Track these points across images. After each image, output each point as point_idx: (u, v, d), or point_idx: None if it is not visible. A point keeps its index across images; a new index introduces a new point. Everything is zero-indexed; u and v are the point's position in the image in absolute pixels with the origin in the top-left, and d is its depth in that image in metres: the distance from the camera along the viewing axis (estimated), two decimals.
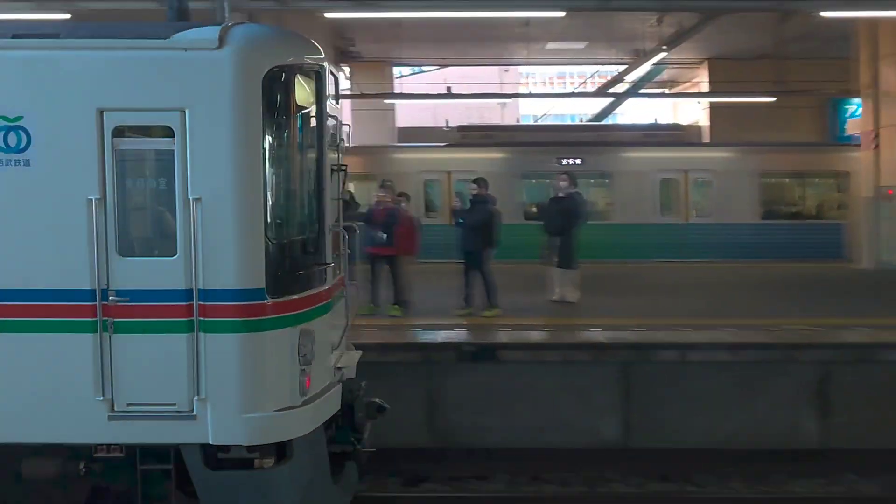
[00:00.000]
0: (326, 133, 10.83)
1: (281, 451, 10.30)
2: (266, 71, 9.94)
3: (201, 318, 9.78)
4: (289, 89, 10.22)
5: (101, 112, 9.80)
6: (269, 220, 10.01)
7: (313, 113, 10.65)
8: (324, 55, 10.62)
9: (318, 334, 10.58)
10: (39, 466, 10.15)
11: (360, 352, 12.43)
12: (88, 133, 9.83)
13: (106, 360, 9.93)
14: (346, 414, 11.45)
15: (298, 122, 10.48)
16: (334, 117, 11.28)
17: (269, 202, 10.04)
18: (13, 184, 9.94)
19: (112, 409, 9.95)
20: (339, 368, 11.24)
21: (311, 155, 10.79)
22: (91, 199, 9.86)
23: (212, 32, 9.96)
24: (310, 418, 10.45)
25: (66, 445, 10.16)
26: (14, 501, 10.53)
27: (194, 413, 9.88)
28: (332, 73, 10.97)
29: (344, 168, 11.42)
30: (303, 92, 10.48)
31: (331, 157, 11.12)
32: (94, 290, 9.91)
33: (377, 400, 11.98)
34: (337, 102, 11.42)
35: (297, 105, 10.41)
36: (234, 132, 9.82)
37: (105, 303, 9.88)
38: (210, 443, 9.93)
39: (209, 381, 9.90)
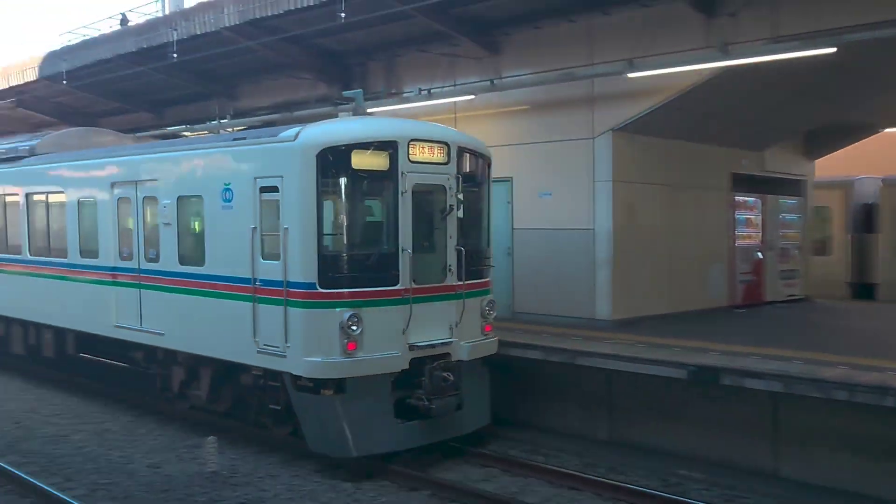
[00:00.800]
0: (398, 189, 17.17)
1: (340, 387, 16.64)
2: (317, 152, 16.61)
3: (288, 298, 16.77)
4: (339, 161, 16.73)
5: (255, 178, 17.43)
6: (321, 241, 16.64)
7: (380, 172, 17.11)
8: (391, 138, 17.26)
9: (370, 317, 16.79)
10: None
11: (490, 340, 18.71)
12: (251, 190, 17.51)
13: (256, 318, 17.39)
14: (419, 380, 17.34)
15: (350, 180, 16.92)
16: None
17: (321, 231, 16.63)
18: (227, 220, 17.99)
19: (258, 347, 17.28)
20: (419, 346, 17.26)
21: (367, 199, 17.61)
22: (252, 227, 17.45)
23: (294, 132, 17.06)
24: (349, 369, 16.60)
25: (237, 364, 18.03)
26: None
27: (285, 354, 16.81)
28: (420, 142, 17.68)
29: (451, 207, 17.93)
30: (368, 160, 17.02)
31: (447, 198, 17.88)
32: (252, 279, 17.47)
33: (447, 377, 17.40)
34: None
35: (353, 169, 16.85)
36: (299, 189, 16.69)
37: (255, 286, 17.42)
38: (292, 373, 16.76)
39: (290, 335, 16.82)
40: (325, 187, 16.93)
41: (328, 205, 17.10)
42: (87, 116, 36.52)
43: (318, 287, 16.68)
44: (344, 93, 20.80)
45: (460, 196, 18.18)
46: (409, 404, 17.29)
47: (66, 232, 22.65)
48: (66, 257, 22.69)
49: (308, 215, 16.78)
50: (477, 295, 18.60)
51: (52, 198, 23.66)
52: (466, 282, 18.17)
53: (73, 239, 22.44)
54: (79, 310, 22.35)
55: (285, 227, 16.93)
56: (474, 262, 18.66)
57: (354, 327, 16.75)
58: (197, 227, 19.41)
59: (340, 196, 17.23)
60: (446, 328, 17.99)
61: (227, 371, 18.78)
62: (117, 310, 20.92)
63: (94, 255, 21.71)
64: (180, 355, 19.78)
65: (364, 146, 17.21)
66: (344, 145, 16.99)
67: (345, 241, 17.20)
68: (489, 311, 18.80)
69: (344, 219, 17.34)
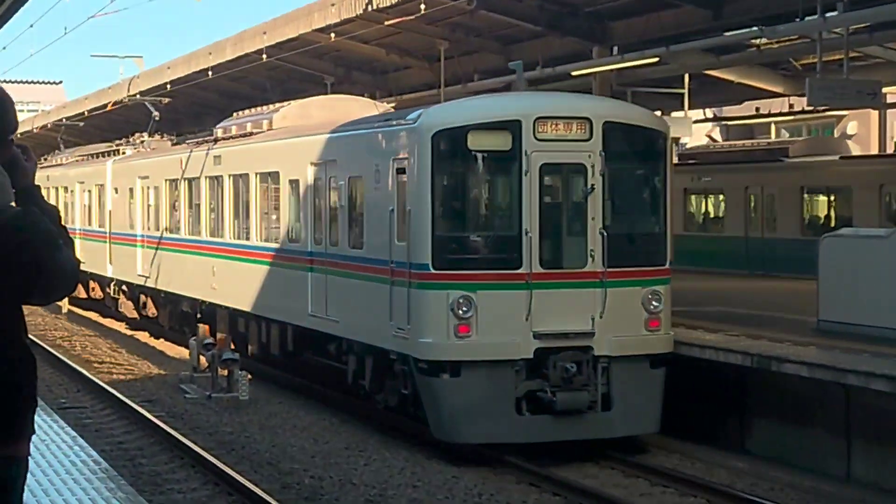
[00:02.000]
0: (522, 168, 16.85)
1: (456, 371, 16.64)
2: (433, 134, 17.00)
3: (410, 280, 17.24)
4: (458, 145, 17.07)
5: (392, 160, 17.96)
6: (433, 223, 16.90)
7: (502, 151, 17.05)
8: (514, 117, 17.07)
9: (486, 302, 16.77)
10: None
11: (657, 337, 17.52)
12: (391, 172, 18.01)
13: (391, 301, 17.70)
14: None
15: (466, 161, 17.24)
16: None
17: (433, 212, 16.93)
18: (377, 201, 18.43)
19: (393, 330, 17.58)
20: (546, 334, 16.83)
21: (483, 180, 17.88)
22: (390, 209, 17.77)
23: (417, 114, 17.76)
24: (462, 352, 16.71)
25: (381, 349, 18.33)
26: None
27: (407, 336, 17.26)
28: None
29: (593, 187, 17.16)
30: (487, 141, 17.05)
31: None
32: (389, 260, 17.78)
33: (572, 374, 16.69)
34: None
35: (470, 153, 17.05)
36: (418, 170, 17.10)
37: (391, 268, 17.72)
38: (413, 356, 17.14)
39: (410, 316, 17.16)
40: (440, 169, 17.13)
41: (444, 187, 17.38)
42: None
43: (430, 268, 16.97)
44: (510, 64, 20.97)
45: (605, 175, 17.12)
46: (536, 396, 16.84)
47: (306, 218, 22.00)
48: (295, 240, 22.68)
49: (423, 197, 17.04)
50: (633, 285, 17.44)
51: (259, 178, 24.48)
52: (615, 268, 17.17)
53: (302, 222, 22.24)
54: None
55: (408, 208, 17.32)
56: (628, 247, 17.65)
57: (466, 310, 16.70)
58: (358, 209, 19.71)
59: (456, 178, 17.66)
60: (586, 318, 17.13)
61: (385, 359, 18.52)
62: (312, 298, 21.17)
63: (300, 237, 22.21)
64: (346, 343, 20.11)
65: (482, 126, 17.21)
66: (460, 126, 17.15)
67: (459, 223, 17.64)
68: (655, 303, 17.56)
69: (459, 200, 17.79)
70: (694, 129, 32.70)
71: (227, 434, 19.05)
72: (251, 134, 25.57)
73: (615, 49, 25.36)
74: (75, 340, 32.00)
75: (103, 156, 37.81)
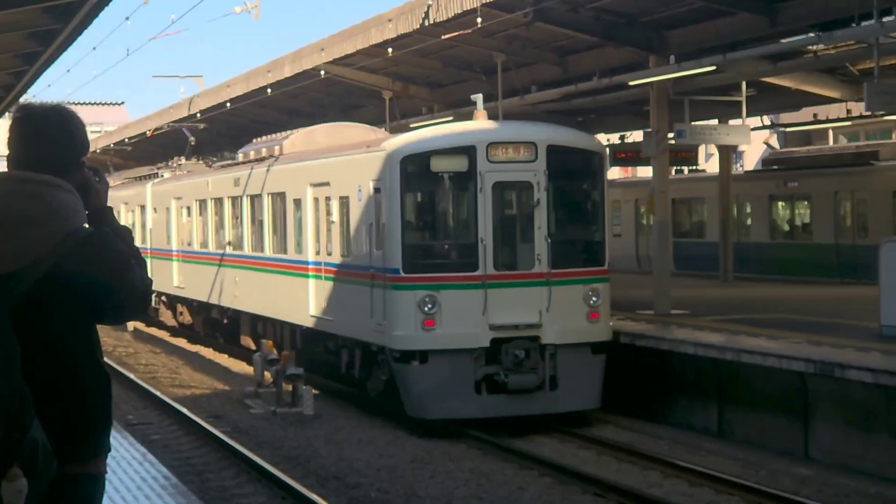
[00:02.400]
0: (477, 185, 20.19)
1: (423, 358, 19.95)
2: (401, 159, 20.48)
3: (385, 282, 20.63)
4: (422, 168, 20.54)
5: (371, 181, 21.36)
6: (404, 234, 20.37)
7: (460, 172, 20.41)
8: (469, 143, 20.51)
9: (448, 300, 20.05)
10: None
11: (596, 327, 20.71)
12: (370, 191, 21.46)
13: (372, 300, 20.99)
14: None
15: (433, 185, 20.94)
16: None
17: (403, 225, 20.40)
18: (360, 217, 21.84)
19: (373, 326, 21.06)
20: (499, 326, 19.97)
21: (446, 199, 21.30)
22: (369, 223, 21.26)
23: (389, 142, 21.34)
24: (428, 342, 19.98)
25: (358, 341, 22.11)
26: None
27: (384, 330, 20.60)
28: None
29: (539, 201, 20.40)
30: (447, 164, 20.53)
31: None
32: (369, 266, 21.25)
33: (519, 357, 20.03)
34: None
35: (435, 173, 20.59)
36: (390, 189, 20.45)
37: (371, 273, 21.11)
38: (389, 346, 20.50)
39: (386, 313, 20.48)
40: (408, 188, 20.72)
41: (412, 203, 21.04)
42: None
43: (401, 272, 20.39)
44: (471, 97, 23.70)
45: (549, 190, 20.45)
46: (492, 378, 20.04)
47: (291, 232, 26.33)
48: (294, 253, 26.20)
49: (395, 212, 20.53)
50: (575, 283, 20.59)
51: (272, 198, 27.82)
52: (559, 270, 20.42)
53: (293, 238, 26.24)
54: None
55: (383, 222, 20.80)
56: (571, 251, 20.95)
57: (431, 306, 20.10)
58: (347, 223, 23.10)
59: (422, 195, 21.38)
60: (534, 312, 20.27)
61: (369, 351, 21.92)
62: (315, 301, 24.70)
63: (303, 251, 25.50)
64: (340, 339, 23.44)
65: (443, 152, 20.77)
66: (424, 152, 20.78)
67: (425, 233, 21.38)
68: (594, 299, 20.64)
69: (424, 214, 21.52)
70: (752, 137, 32.48)
71: (293, 449, 19.17)
72: (264, 159, 28.81)
73: (672, 58, 25.28)
74: (140, 357, 32.29)
75: (144, 179, 41.31)
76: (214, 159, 37.53)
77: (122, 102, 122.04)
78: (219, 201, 31.84)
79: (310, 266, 24.77)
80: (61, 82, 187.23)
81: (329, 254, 23.90)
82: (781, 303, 27.05)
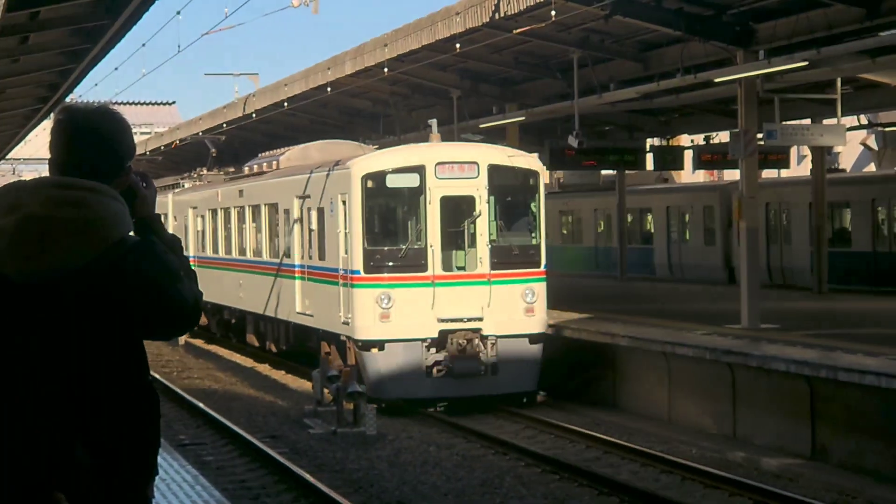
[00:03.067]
0: (426, 197, 24.92)
1: (381, 347, 24.57)
2: (362, 176, 25.14)
3: (350, 282, 25.31)
4: (383, 184, 25.22)
5: (339, 194, 26.07)
6: (365, 239, 25.07)
7: (412, 188, 25.19)
8: (419, 163, 25.16)
9: (401, 297, 24.70)
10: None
11: (531, 320, 25.20)
12: (339, 204, 26.14)
13: (341, 298, 25.75)
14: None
15: (389, 198, 25.74)
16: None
17: (365, 232, 25.02)
18: (332, 226, 26.35)
19: (343, 319, 25.63)
20: (446, 320, 24.55)
21: (401, 210, 25.89)
22: (338, 231, 26.05)
23: (352, 161, 25.86)
24: (385, 333, 24.59)
25: (328, 333, 26.84)
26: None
27: (348, 322, 25.33)
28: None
29: (480, 212, 25.16)
30: (400, 180, 25.27)
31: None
32: (339, 269, 25.91)
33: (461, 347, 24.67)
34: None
35: (391, 189, 25.43)
36: (352, 202, 25.13)
37: (341, 274, 25.82)
38: (353, 337, 25.15)
39: (351, 308, 25.06)
40: (368, 201, 25.43)
41: (371, 213, 25.62)
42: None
43: (361, 273, 25.18)
44: (429, 121, 29.36)
45: (491, 203, 25.20)
46: (440, 364, 24.68)
47: (279, 239, 31.77)
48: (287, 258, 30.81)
49: (356, 221, 25.32)
50: (513, 283, 25.23)
51: (267, 207, 33.12)
52: (499, 271, 25.07)
53: (283, 245, 31.34)
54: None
55: (347, 230, 25.75)
56: (509, 256, 25.41)
57: (386, 302, 24.79)
58: (323, 231, 27.61)
59: (379, 207, 26.03)
60: (477, 308, 24.94)
61: (340, 342, 26.53)
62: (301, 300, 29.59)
63: (291, 256, 30.45)
64: (321, 332, 27.89)
65: (397, 170, 25.48)
66: (381, 170, 25.52)
67: (382, 240, 25.73)
68: (530, 297, 25.22)
69: (382, 223, 26.04)
70: (847, 137, 32.12)
71: (355, 471, 19.18)
72: (263, 173, 34.12)
73: (761, 53, 25.05)
74: (194, 374, 32.41)
75: (167, 189, 45.23)
76: (232, 170, 40.76)
77: (174, 102, 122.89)
78: (227, 210, 37.17)
79: (296, 269, 29.81)
80: (109, 81, 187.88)
81: (311, 258, 28.83)
82: (880, 316, 26.77)
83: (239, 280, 35.21)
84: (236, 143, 48.22)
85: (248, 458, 20.41)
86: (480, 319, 24.85)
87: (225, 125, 48.04)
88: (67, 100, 45.14)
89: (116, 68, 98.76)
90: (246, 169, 36.69)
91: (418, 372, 24.70)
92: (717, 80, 25.97)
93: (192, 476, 12.54)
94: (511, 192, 26.13)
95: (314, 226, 28.37)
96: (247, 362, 35.04)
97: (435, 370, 24.73)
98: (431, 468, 19.30)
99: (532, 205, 26.20)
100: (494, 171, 25.35)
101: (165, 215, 43.07)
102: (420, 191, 25.08)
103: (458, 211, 25.30)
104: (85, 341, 4.19)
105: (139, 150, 60.77)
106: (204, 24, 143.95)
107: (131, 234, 4.31)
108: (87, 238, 4.16)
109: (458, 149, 27.06)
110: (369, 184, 25.29)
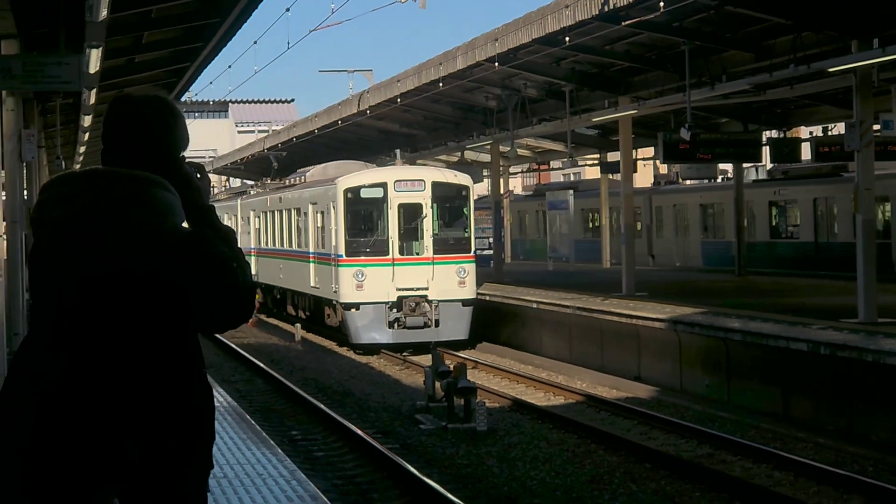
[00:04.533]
0: (388, 204, 35.78)
1: (357, 308, 35.42)
2: (344, 189, 36.30)
3: (337, 263, 36.20)
4: (358, 195, 36.29)
5: (330, 202, 37.28)
6: (346, 233, 36.02)
7: (378, 197, 36.07)
8: (382, 181, 36.28)
9: (371, 273, 35.35)
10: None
11: (463, 289, 35.69)
12: (333, 208, 36.93)
13: (332, 274, 36.87)
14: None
15: (363, 205, 36.46)
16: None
17: (346, 228, 36.04)
18: (330, 223, 37.18)
19: (333, 289, 36.62)
20: (402, 289, 35.20)
21: (372, 213, 36.54)
22: (332, 228, 37.09)
23: (339, 178, 37.25)
24: (359, 298, 35.31)
25: (327, 299, 38.52)
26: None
27: (336, 291, 36.17)
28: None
29: (425, 215, 36.00)
30: (370, 192, 36.06)
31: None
32: (331, 254, 37.07)
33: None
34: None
35: (364, 199, 36.28)
36: (337, 207, 36.33)
37: (333, 257, 36.65)
38: (339, 301, 36.20)
39: (338, 281, 36.02)
40: (348, 207, 36.22)
41: (351, 216, 36.37)
42: None
43: (344, 256, 35.87)
44: (396, 150, 45.64)
45: (433, 208, 35.88)
46: (398, 320, 35.34)
47: (295, 233, 43.60)
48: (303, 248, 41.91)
49: (340, 221, 36.20)
50: (450, 263, 35.70)
51: (289, 213, 44.88)
52: (439, 255, 35.66)
53: (297, 236, 43.26)
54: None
55: (335, 227, 36.57)
56: (447, 245, 35.98)
57: (361, 277, 35.41)
58: (324, 228, 38.22)
59: (356, 212, 36.57)
60: (424, 280, 35.51)
61: (332, 305, 37.84)
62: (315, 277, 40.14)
63: (307, 245, 41.21)
64: (322, 300, 39.27)
65: (368, 186, 36.34)
66: (359, 185, 36.48)
67: (357, 234, 36.29)
68: (462, 273, 35.68)
69: (357, 222, 36.52)
70: None
71: (464, 467, 19.06)
72: (294, 185, 46.21)
73: (876, 42, 24.47)
74: (308, 369, 32.48)
75: (237, 195, 60.50)
76: (278, 181, 52.42)
77: (292, 100, 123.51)
78: (272, 213, 48.37)
79: (311, 255, 40.28)
80: (222, 79, 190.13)
81: (318, 247, 39.46)
82: None
83: (280, 265, 46.54)
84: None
85: (357, 452, 20.35)
86: (426, 289, 35.50)
87: (340, 122, 48.25)
88: (184, 98, 45.66)
89: (230, 66, 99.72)
90: (288, 180, 49.41)
91: (382, 325, 35.40)
92: (830, 70, 25.47)
93: (290, 471, 12.43)
94: (448, 200, 36.56)
95: (320, 224, 39.08)
96: (361, 358, 35.26)
97: (395, 324, 35.34)
98: (541, 464, 19.12)
99: (464, 209, 36.82)
100: (436, 185, 36.18)
101: (236, 216, 56.35)
102: (384, 200, 35.95)
103: (410, 214, 35.94)
104: (136, 330, 4.09)
105: (257, 149, 61.77)
106: (313, 21, 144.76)
107: (184, 224, 4.20)
108: (140, 230, 4.07)
109: (411, 171, 38.30)
110: (349, 195, 36.28)
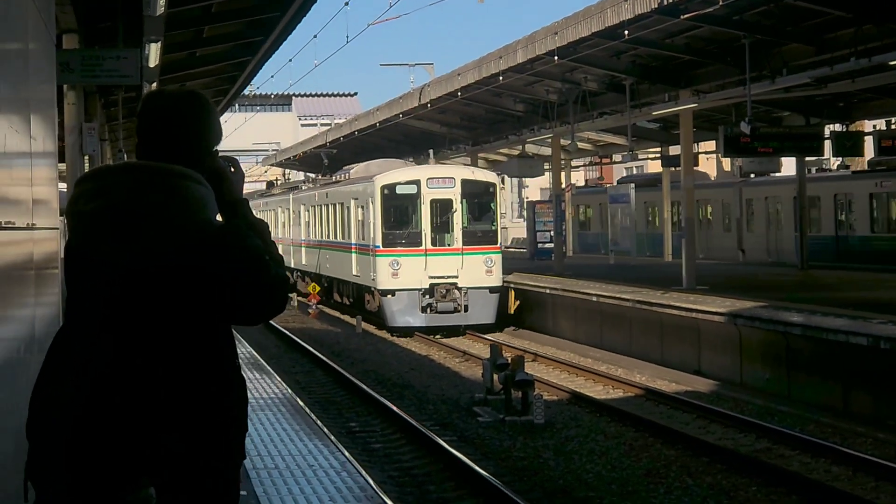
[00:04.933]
0: (421, 200, 39.24)
1: (393, 294, 38.75)
2: (381, 186, 39.56)
3: (375, 253, 39.54)
4: (394, 191, 39.52)
5: (369, 197, 40.72)
6: (383, 225, 39.18)
7: (412, 193, 39.35)
8: (416, 178, 39.83)
9: (405, 262, 38.54)
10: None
11: (490, 277, 38.93)
12: (371, 202, 40.50)
13: (370, 263, 39.99)
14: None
15: (398, 200, 39.61)
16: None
17: (382, 222, 39.25)
18: (369, 216, 40.64)
19: (371, 276, 40.08)
20: (434, 276, 38.40)
21: (406, 207, 39.72)
22: (370, 221, 40.52)
23: (377, 176, 40.68)
24: (395, 285, 38.50)
25: (366, 286, 41.67)
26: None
27: (375, 280, 39.53)
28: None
29: (456, 209, 39.44)
30: (405, 189, 39.35)
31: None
32: (370, 244, 40.38)
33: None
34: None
35: (399, 195, 39.50)
36: (374, 204, 39.88)
37: (371, 248, 40.00)
38: (377, 288, 39.43)
39: (375, 270, 39.39)
40: (384, 202, 39.31)
41: (388, 210, 39.38)
42: None
43: (381, 247, 38.93)
44: (430, 151, 48.84)
45: (463, 204, 39.02)
46: (430, 305, 38.32)
47: (339, 225, 46.97)
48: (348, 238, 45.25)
49: (377, 215, 39.31)
50: (478, 254, 38.67)
51: (334, 208, 48.44)
52: (468, 246, 38.66)
53: (341, 229, 46.67)
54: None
55: (373, 221, 39.66)
56: (476, 237, 38.92)
57: (396, 266, 38.39)
58: (364, 221, 41.58)
59: (392, 206, 39.54)
60: (454, 269, 38.40)
61: (371, 291, 40.83)
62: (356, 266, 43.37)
63: (349, 237, 44.77)
64: (363, 287, 42.25)
65: (403, 182, 39.43)
66: (395, 182, 39.50)
67: (394, 226, 39.27)
68: (490, 263, 38.61)
69: (393, 216, 39.44)
70: None
71: (520, 460, 19.08)
72: (339, 181, 49.56)
73: None
74: (369, 361, 32.58)
75: (290, 190, 64.39)
76: (327, 178, 56.25)
77: (356, 93, 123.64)
78: (320, 207, 51.90)
79: (352, 246, 43.75)
80: (283, 73, 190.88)
81: (359, 238, 42.46)
82: None
83: (326, 255, 49.91)
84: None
85: (415, 444, 20.41)
86: (456, 277, 38.55)
87: (401, 115, 48.32)
88: (246, 91, 45.87)
89: (290, 60, 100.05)
90: (335, 177, 52.78)
91: (416, 310, 38.52)
92: (892, 63, 25.27)
93: (340, 462, 12.48)
94: (477, 196, 39.74)
95: (360, 217, 42.28)
96: (421, 350, 35.45)
97: (428, 309, 38.40)
98: (597, 457, 19.10)
99: (491, 204, 39.98)
100: (465, 183, 39.42)
101: (288, 209, 61.23)
102: (417, 196, 39.17)
103: (441, 208, 39.07)
104: (172, 326, 4.13)
105: (319, 142, 62.07)
106: (371, 15, 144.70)
107: (218, 217, 4.23)
108: (173, 224, 4.11)
109: (442, 169, 41.53)
110: (386, 191, 39.42)
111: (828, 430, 21.22)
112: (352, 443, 20.33)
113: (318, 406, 24.32)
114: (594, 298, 34.91)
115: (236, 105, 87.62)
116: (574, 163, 65.33)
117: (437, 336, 37.59)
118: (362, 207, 41.67)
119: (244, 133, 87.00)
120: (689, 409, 23.59)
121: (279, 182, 77.61)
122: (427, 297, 38.23)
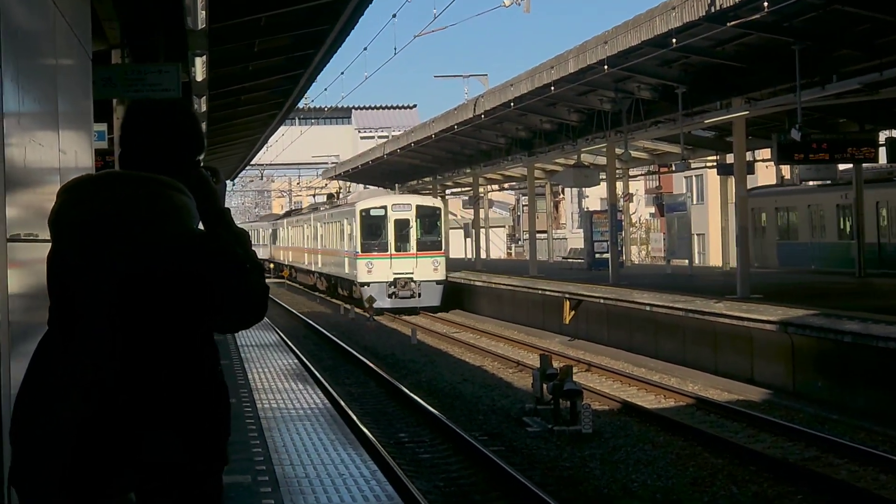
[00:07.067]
0: (388, 219, 57.10)
1: (368, 285, 56.16)
2: (360, 210, 57.80)
3: (356, 257, 57.43)
4: (369, 213, 57.63)
5: (352, 218, 59.32)
6: (361, 238, 57.09)
7: (381, 215, 57.37)
8: (384, 204, 58.13)
9: (377, 263, 56.01)
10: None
11: (438, 274, 56.49)
12: (354, 222, 58.96)
13: (353, 264, 58.29)
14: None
15: (372, 220, 57.40)
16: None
17: (361, 235, 57.21)
18: (352, 231, 58.92)
19: (354, 273, 58.51)
20: (396, 273, 55.91)
21: (378, 225, 57.41)
22: (353, 235, 58.24)
23: (357, 202, 60.79)
24: (370, 279, 56.21)
25: (351, 280, 59.89)
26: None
27: (356, 274, 57.63)
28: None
29: (411, 227, 57.08)
30: (376, 211, 57.36)
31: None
32: (353, 250, 58.40)
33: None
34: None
35: (372, 216, 57.37)
36: (354, 222, 58.35)
37: (353, 252, 58.21)
38: (356, 280, 57.87)
39: (355, 268, 57.51)
40: (363, 222, 56.95)
41: (364, 227, 56.87)
42: None
43: (359, 252, 56.53)
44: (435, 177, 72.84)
45: (416, 222, 55.92)
46: (394, 293, 55.59)
47: (338, 238, 63.60)
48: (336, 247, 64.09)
49: (356, 230, 57.10)
50: (428, 257, 55.23)
51: (336, 224, 64.96)
52: (421, 252, 55.54)
53: (339, 240, 63.16)
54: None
55: (355, 234, 57.26)
56: (427, 246, 55.75)
57: (370, 265, 55.71)
58: (352, 234, 58.14)
59: (368, 224, 56.96)
60: (411, 267, 55.17)
61: (353, 284, 58.30)
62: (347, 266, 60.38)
63: (343, 246, 61.52)
64: (348, 281, 59.83)
65: (375, 208, 57.16)
66: (369, 207, 57.38)
67: (369, 239, 56.58)
68: (436, 263, 55.28)
69: (369, 232, 56.72)
70: None
71: (566, 469, 19.10)
72: (341, 205, 66.53)
73: None
74: (423, 372, 32.67)
75: (312, 210, 79.94)
76: (335, 202, 75.25)
77: (415, 105, 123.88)
78: (328, 224, 67.68)
79: (345, 252, 59.46)
80: (336, 85, 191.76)
81: (348, 248, 58.30)
82: None
83: (331, 259, 65.61)
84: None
85: (462, 454, 20.47)
86: (412, 273, 54.93)
87: (456, 126, 48.47)
88: (301, 104, 46.14)
89: (342, 73, 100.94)
90: (337, 202, 72.13)
91: (384, 296, 54.57)
92: None
93: (371, 471, 12.58)
94: (427, 217, 56.29)
95: (348, 232, 58.82)
96: (475, 360, 35.43)
97: (392, 296, 54.78)
98: (644, 467, 19.08)
99: (438, 222, 56.63)
100: (419, 207, 56.38)
101: (310, 225, 76.54)
102: (385, 217, 56.00)
103: (402, 225, 55.69)
104: (167, 330, 4.21)
105: (376, 155, 62.49)
106: (419, 27, 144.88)
107: (200, 226, 4.32)
108: (155, 233, 4.18)
109: (403, 197, 60.18)
110: (363, 213, 56.58)
111: (878, 439, 21.12)
112: (399, 453, 20.42)
113: (369, 417, 24.42)
114: (647, 308, 34.85)
115: (295, 119, 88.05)
116: (633, 172, 65.18)
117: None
118: (351, 225, 58.45)
119: (303, 146, 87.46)
120: (738, 418, 23.52)
121: (339, 195, 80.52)
122: (392, 287, 55.33)
